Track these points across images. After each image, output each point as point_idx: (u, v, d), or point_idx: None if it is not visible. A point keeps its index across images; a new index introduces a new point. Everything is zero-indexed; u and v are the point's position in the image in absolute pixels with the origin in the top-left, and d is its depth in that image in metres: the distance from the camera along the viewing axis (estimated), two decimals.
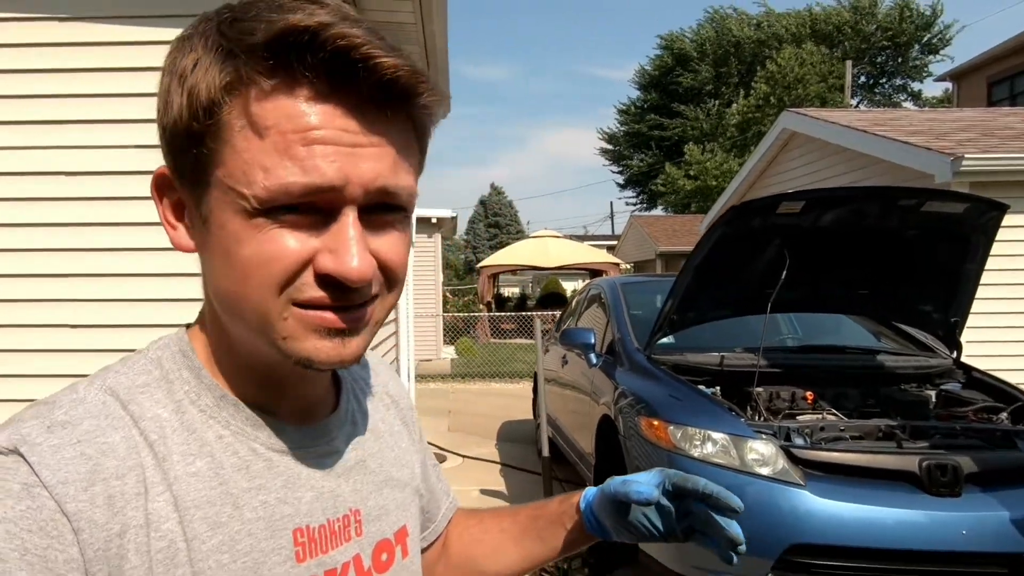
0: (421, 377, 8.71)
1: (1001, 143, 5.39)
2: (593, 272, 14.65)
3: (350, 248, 0.42)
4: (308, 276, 0.43)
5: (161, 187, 0.48)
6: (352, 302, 0.44)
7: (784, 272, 2.84)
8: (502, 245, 26.49)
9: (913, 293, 3.10)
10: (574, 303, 5.38)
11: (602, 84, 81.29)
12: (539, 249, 14.79)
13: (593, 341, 3.67)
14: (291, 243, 0.42)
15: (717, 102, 28.58)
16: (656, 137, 30.88)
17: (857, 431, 2.49)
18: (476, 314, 14.44)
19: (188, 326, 0.53)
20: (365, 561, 0.53)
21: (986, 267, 2.87)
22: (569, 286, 21.42)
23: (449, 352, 12.08)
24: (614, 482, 0.67)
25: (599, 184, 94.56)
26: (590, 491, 0.70)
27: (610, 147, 34.46)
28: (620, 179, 34.75)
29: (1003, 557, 2.07)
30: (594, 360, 3.62)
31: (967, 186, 4.70)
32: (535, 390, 5.77)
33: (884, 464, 2.25)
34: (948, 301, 2.99)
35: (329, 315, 0.44)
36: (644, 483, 0.65)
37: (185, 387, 0.48)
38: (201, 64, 0.42)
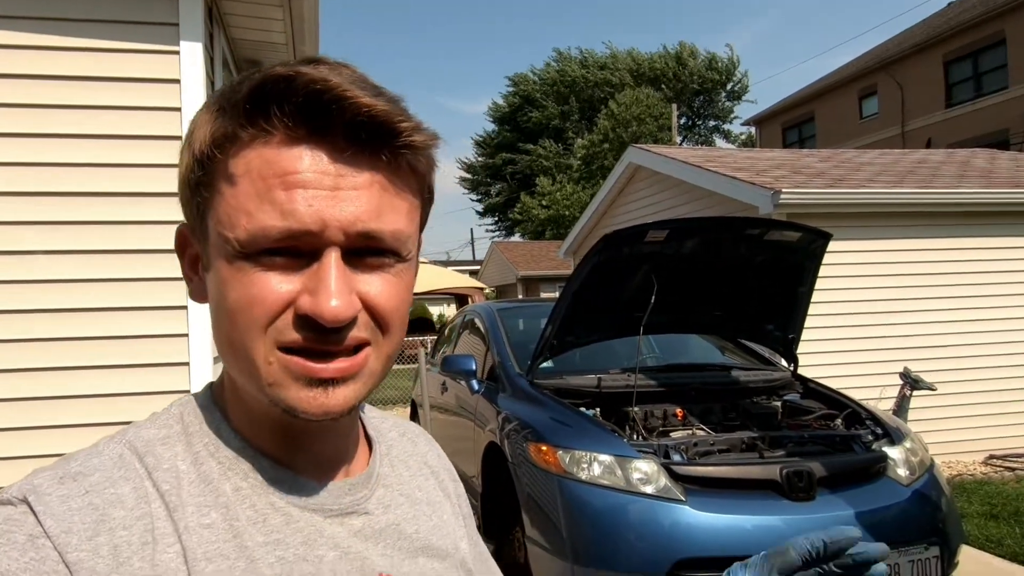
0: None
1: (807, 180, 6.27)
2: (459, 297, 14.68)
3: (329, 287, 0.43)
4: (288, 317, 0.43)
5: (182, 243, 0.51)
6: (332, 345, 0.44)
7: (653, 296, 3.02)
8: None
9: (758, 313, 3.45)
10: (448, 330, 5.33)
11: (460, 116, 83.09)
12: None
13: (475, 368, 3.64)
14: (272, 284, 0.43)
15: (555, 142, 30.64)
16: (509, 171, 32.25)
17: (725, 444, 2.69)
18: None
19: (211, 384, 0.53)
20: None
21: (815, 288, 3.29)
22: (435, 310, 21.25)
23: None
24: None
25: (459, 211, 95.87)
26: None
27: (469, 176, 35.23)
28: (479, 207, 35.58)
29: None
30: (476, 387, 3.59)
31: (785, 217, 5.39)
32: (412, 417, 5.61)
33: (751, 475, 2.46)
34: (786, 319, 3.38)
35: (310, 363, 0.44)
36: None
37: (204, 439, 0.48)
38: (200, 123, 0.46)
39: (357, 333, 0.44)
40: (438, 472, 0.64)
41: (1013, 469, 5.28)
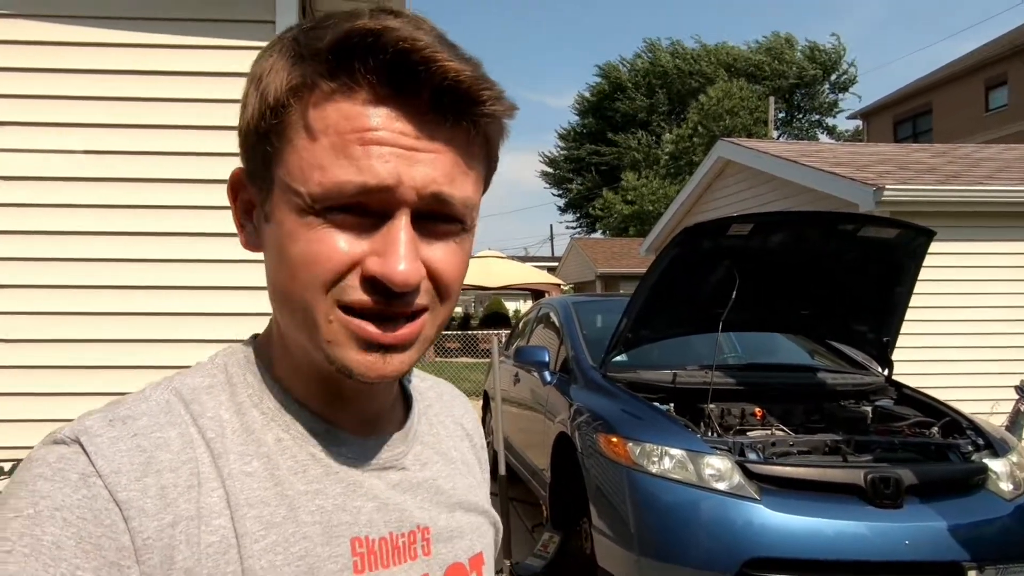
0: None
1: (916, 176, 5.83)
2: (535, 292, 14.77)
3: (398, 251, 0.42)
4: (355, 279, 0.43)
5: (235, 188, 0.50)
6: (397, 310, 0.44)
7: (734, 292, 2.94)
8: None
9: (849, 314, 3.27)
10: (522, 323, 5.39)
11: (543, 110, 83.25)
12: (482, 269, 14.83)
13: (548, 359, 3.68)
14: (340, 243, 0.43)
15: (646, 133, 29.88)
16: (595, 163, 31.85)
17: (805, 446, 2.58)
18: None
19: (256, 336, 0.53)
20: None
21: (915, 290, 3.08)
22: (511, 306, 21.50)
23: None
24: None
25: (540, 207, 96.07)
26: None
27: (551, 171, 35.22)
28: (560, 202, 35.52)
29: (941, 565, 2.18)
30: (548, 378, 3.63)
31: (888, 215, 5.04)
32: (484, 408, 5.73)
33: (833, 478, 2.34)
34: (881, 322, 3.17)
35: (371, 328, 0.43)
36: None
37: (248, 391, 0.49)
38: (274, 68, 0.44)
39: (419, 300, 0.44)
40: (472, 436, 0.64)
41: None
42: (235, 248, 0.50)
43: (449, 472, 0.56)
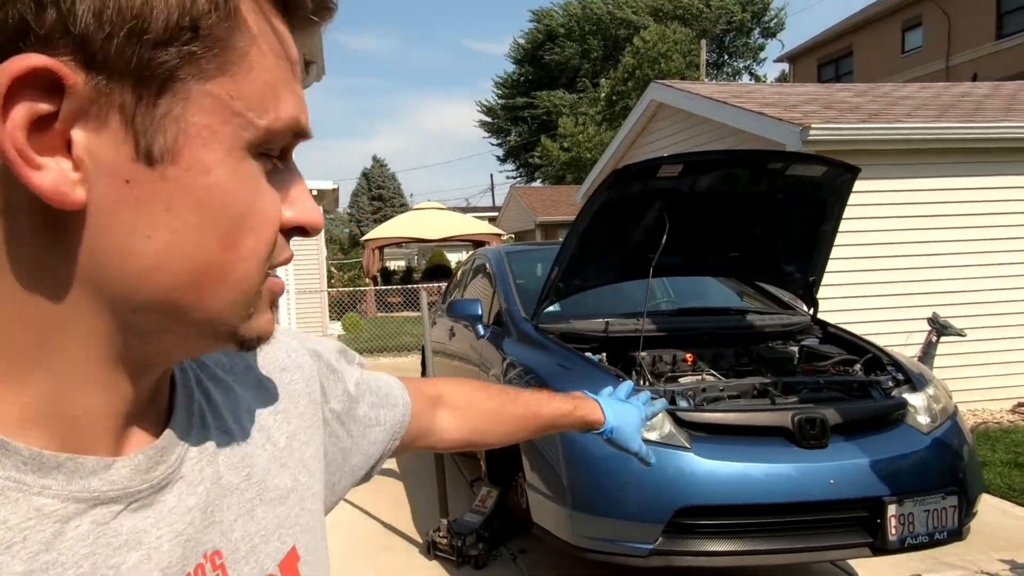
0: None
1: (840, 115, 5.91)
2: (476, 243, 14.60)
3: (308, 194, 0.38)
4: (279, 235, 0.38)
5: (20, 91, 0.28)
6: None
7: (664, 236, 2.87)
8: (386, 218, 25.85)
9: (777, 254, 3.27)
10: (459, 274, 5.24)
11: (482, 58, 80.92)
12: (423, 221, 14.52)
13: (480, 312, 3.56)
14: (275, 197, 0.36)
15: (571, 93, 29.73)
16: (529, 116, 31.49)
17: (735, 390, 2.58)
18: (362, 288, 13.92)
19: None
20: None
21: (840, 228, 3.09)
22: (454, 258, 21.25)
23: (336, 328, 11.78)
24: (636, 441, 0.92)
25: (479, 156, 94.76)
26: (608, 430, 0.88)
27: (489, 120, 34.54)
28: (499, 152, 35.07)
29: (865, 501, 2.24)
30: (482, 331, 3.52)
31: (814, 153, 5.09)
32: (423, 363, 5.60)
33: (761, 421, 2.35)
34: (807, 261, 3.19)
35: (279, 280, 0.39)
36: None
37: None
38: None
39: None
40: (288, 368, 0.50)
41: None
42: None
43: (245, 452, 0.43)
